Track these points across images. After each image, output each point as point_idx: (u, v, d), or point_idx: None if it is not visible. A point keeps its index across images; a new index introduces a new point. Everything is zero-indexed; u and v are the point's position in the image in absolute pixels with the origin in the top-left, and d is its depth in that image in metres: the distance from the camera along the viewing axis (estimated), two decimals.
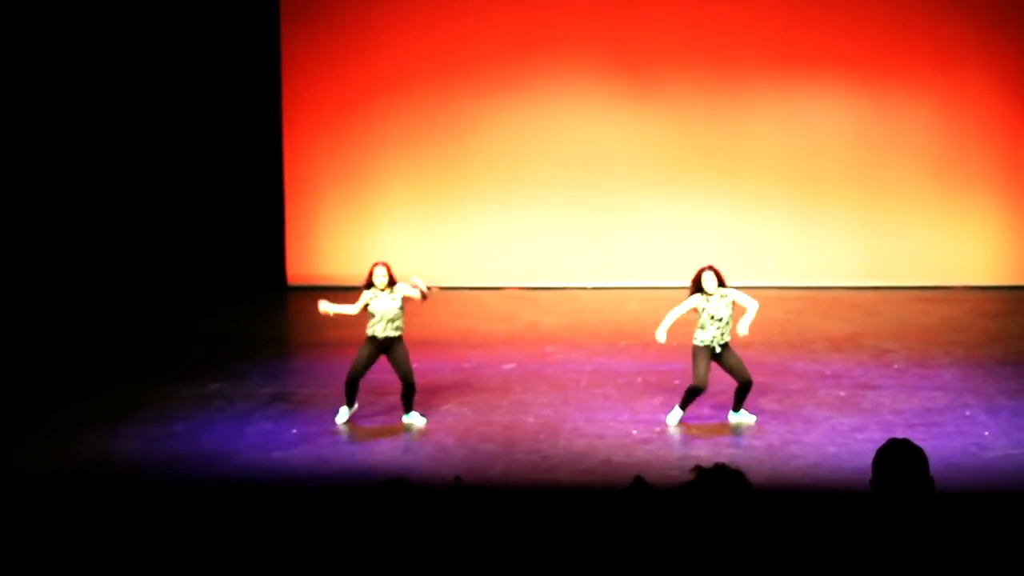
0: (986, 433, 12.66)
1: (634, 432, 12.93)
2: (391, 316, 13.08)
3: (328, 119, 21.89)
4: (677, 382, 14.17)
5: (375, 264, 13.25)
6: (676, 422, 12.98)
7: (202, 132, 21.56)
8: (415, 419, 13.30)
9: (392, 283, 13.14)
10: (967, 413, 13.39)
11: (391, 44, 21.76)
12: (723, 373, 13.02)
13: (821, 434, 12.78)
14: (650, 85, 21.57)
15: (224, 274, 21.47)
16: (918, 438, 5.46)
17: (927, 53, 21.29)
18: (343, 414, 13.43)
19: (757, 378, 15.04)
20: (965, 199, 21.45)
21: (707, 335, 12.83)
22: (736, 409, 13.13)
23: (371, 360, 13.26)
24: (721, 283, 13.00)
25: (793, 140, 21.54)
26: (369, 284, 13.16)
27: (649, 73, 21.54)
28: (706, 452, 12.00)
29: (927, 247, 21.47)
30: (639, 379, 13.50)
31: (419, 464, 11.79)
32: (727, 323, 12.90)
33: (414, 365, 12.93)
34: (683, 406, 13.01)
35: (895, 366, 15.70)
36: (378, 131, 21.84)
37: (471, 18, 21.69)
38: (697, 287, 12.94)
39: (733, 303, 13.02)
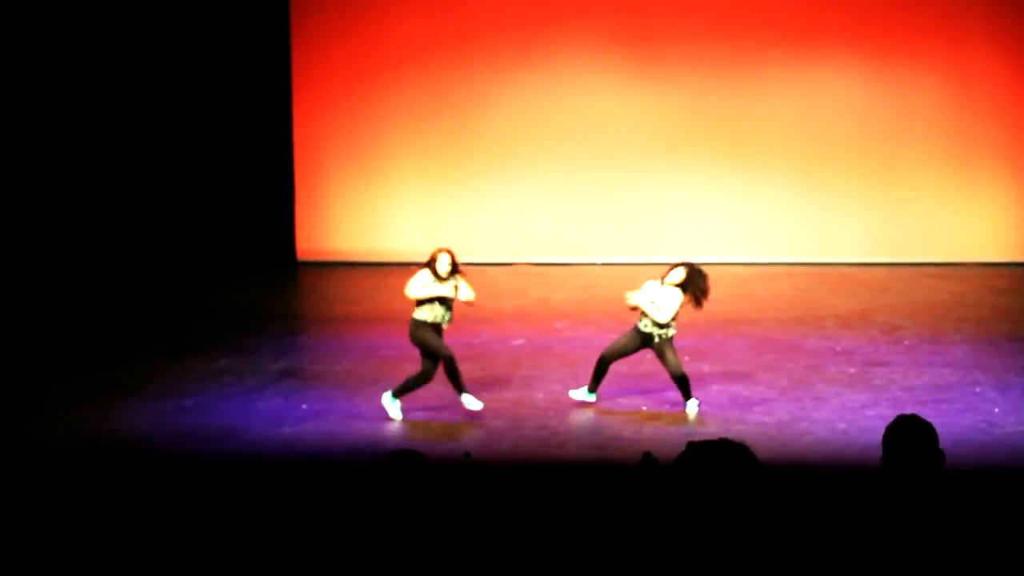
0: (996, 410, 12.66)
1: (643, 408, 12.94)
2: (447, 305, 12.58)
3: (338, 94, 21.85)
4: (687, 358, 14.16)
5: (439, 250, 12.60)
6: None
7: (213, 107, 21.52)
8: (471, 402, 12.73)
9: (455, 271, 12.58)
10: (977, 390, 13.39)
11: (401, 18, 21.71)
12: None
13: (831, 410, 12.78)
14: (659, 60, 21.52)
15: (234, 249, 21.46)
16: (928, 414, 5.45)
17: (936, 28, 21.21)
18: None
19: (768, 355, 15.06)
20: (975, 175, 21.39)
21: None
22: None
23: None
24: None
25: (803, 116, 21.49)
26: (430, 269, 12.54)
27: (658, 48, 21.49)
28: (715, 428, 11.99)
29: (937, 223, 21.42)
30: (648, 355, 13.47)
31: (429, 440, 11.80)
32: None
33: None
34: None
35: (905, 342, 15.69)
36: (388, 106, 21.80)
37: None
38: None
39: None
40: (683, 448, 4.50)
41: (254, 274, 20.91)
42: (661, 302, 12.52)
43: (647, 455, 6.37)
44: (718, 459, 4.45)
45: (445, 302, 12.56)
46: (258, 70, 21.59)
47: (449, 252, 12.60)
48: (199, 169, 21.60)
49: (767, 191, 21.52)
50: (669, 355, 12.68)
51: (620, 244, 21.38)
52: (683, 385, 12.72)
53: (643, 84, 21.57)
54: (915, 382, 13.77)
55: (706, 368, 14.33)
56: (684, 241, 21.35)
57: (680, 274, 12.65)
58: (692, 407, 12.71)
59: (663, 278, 12.67)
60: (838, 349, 15.33)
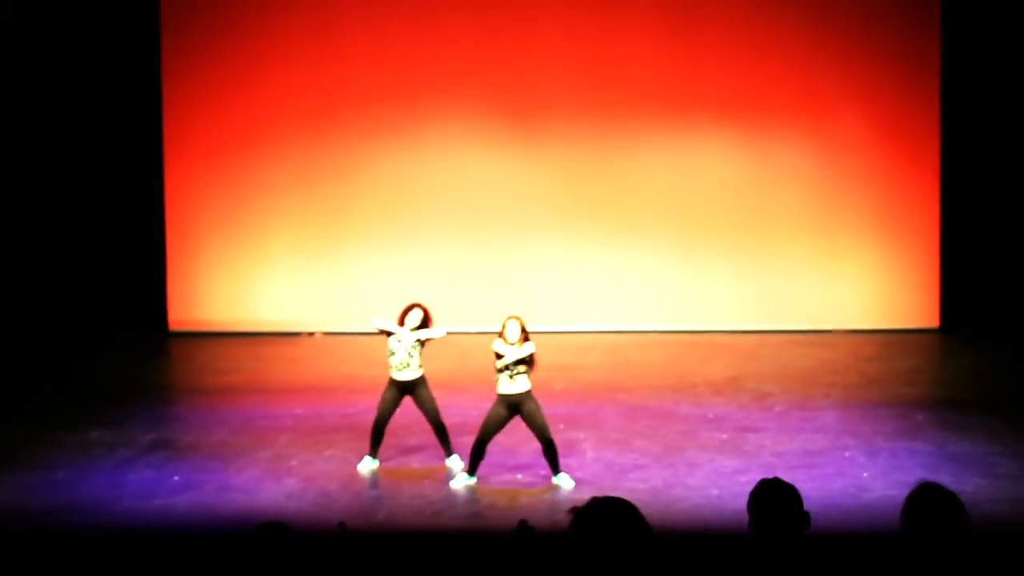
0: (865, 474, 12.84)
1: (519, 476, 12.96)
2: (406, 357, 13.05)
3: (211, 158, 21.76)
4: (562, 426, 14.22)
5: (412, 305, 13.22)
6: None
7: (81, 171, 21.34)
8: (455, 462, 13.17)
9: (424, 325, 13.13)
10: (847, 455, 13.58)
11: (275, 82, 21.72)
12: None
13: (704, 476, 12.88)
14: (534, 127, 21.74)
15: (104, 319, 21.23)
16: (799, 480, 5.55)
17: (804, 98, 21.68)
18: (366, 463, 13.22)
19: (642, 422, 15.16)
20: (842, 243, 21.83)
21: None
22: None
23: (395, 403, 13.22)
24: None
25: (675, 185, 21.80)
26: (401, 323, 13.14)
27: (533, 115, 21.71)
28: (590, 496, 11.99)
29: (805, 291, 21.81)
30: (522, 423, 13.51)
31: (303, 510, 11.72)
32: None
33: (299, 411, 12.78)
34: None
35: (776, 408, 15.89)
36: (262, 171, 21.75)
37: (356, 56, 21.72)
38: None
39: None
40: (563, 515, 4.53)
41: (126, 344, 20.69)
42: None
43: (523, 523, 6.40)
44: (610, 519, 4.48)
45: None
46: (129, 133, 21.45)
47: (422, 307, 13.18)
48: (68, 237, 21.38)
49: (640, 259, 21.76)
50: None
51: (495, 312, 21.38)
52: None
53: (519, 152, 21.76)
54: (786, 447, 13.94)
55: (581, 435, 14.40)
56: (558, 309, 21.51)
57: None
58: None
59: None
60: (710, 416, 15.49)
